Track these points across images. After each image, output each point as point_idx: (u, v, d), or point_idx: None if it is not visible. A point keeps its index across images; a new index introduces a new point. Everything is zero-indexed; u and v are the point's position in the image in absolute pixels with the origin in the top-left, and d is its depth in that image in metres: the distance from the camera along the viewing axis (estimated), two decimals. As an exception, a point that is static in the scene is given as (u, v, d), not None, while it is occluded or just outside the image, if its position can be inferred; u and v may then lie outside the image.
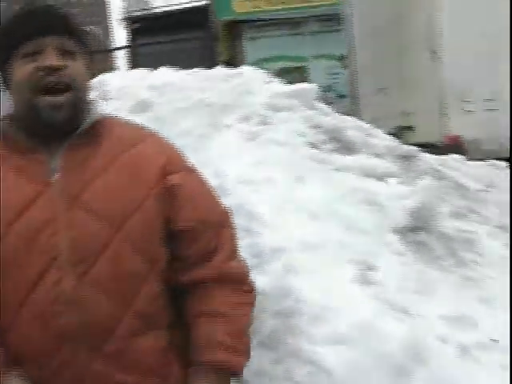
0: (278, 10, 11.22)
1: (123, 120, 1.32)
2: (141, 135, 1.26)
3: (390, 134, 5.31)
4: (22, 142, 1.17)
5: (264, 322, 1.72)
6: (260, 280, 1.71)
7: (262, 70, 3.30)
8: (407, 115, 5.15)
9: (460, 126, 4.31)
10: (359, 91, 6.78)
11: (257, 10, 11.31)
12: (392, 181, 2.43)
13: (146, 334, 1.14)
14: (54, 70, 1.12)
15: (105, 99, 3.00)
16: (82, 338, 1.10)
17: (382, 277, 1.98)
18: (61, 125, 1.15)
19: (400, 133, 5.22)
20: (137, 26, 18.50)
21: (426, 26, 4.44)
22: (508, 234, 2.77)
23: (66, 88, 1.13)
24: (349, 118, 3.16)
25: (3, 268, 1.10)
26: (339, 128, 2.66)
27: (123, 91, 2.97)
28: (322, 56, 11.42)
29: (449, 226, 2.47)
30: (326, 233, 1.97)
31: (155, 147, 1.23)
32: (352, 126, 2.81)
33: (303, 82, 10.32)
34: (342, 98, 10.38)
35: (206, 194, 1.26)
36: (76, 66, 1.16)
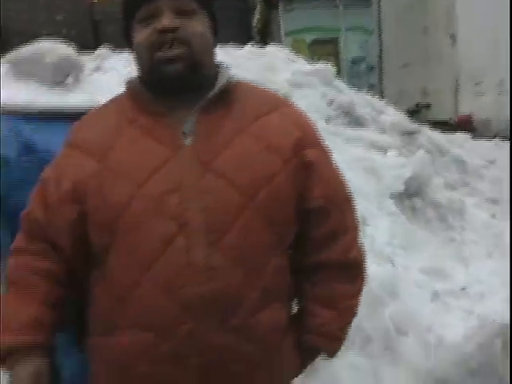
0: (313, -18, 11.39)
1: (255, 85, 1.25)
2: (275, 103, 1.20)
3: (409, 110, 5.68)
4: (151, 104, 1.14)
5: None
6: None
7: (286, 49, 3.64)
8: (426, 93, 5.44)
9: (471, 107, 4.60)
10: (385, 65, 7.04)
11: (292, -19, 11.49)
12: (392, 153, 2.81)
13: (270, 307, 1.12)
14: (169, 30, 1.11)
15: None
16: (209, 309, 1.06)
17: (374, 231, 2.37)
18: (177, 78, 1.11)
19: (419, 109, 5.54)
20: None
21: (446, 10, 4.70)
22: (497, 207, 3.13)
23: (183, 44, 1.11)
24: (362, 94, 3.51)
25: (129, 231, 1.07)
26: (351, 104, 3.02)
27: None
28: (356, 28, 11.57)
29: (441, 195, 2.84)
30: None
31: (291, 118, 1.18)
32: (363, 103, 3.17)
33: (336, 53, 10.56)
34: (372, 69, 10.59)
35: (336, 174, 1.22)
36: (192, 25, 1.13)
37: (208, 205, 1.06)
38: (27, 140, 2.31)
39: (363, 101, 3.25)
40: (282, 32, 11.86)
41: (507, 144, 4.03)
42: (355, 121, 3.02)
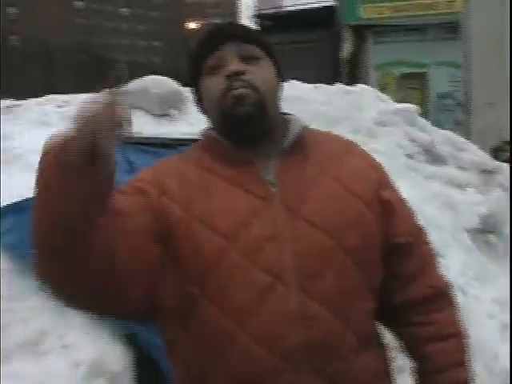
0: (403, 17, 11.58)
1: (323, 131, 1.30)
2: (347, 147, 1.24)
3: (493, 147, 5.74)
4: (233, 155, 1.15)
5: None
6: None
7: (374, 87, 3.91)
8: (507, 131, 5.51)
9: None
10: (473, 101, 7.12)
11: (383, 16, 11.75)
12: (470, 190, 2.99)
13: (366, 352, 1.12)
14: (236, 74, 1.14)
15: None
16: (306, 358, 1.07)
17: (448, 262, 2.56)
18: (247, 119, 1.13)
19: (503, 146, 5.60)
20: (267, 23, 19.42)
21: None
22: None
23: (248, 86, 1.13)
24: (445, 132, 3.71)
25: (222, 284, 1.07)
26: (432, 142, 3.24)
27: None
28: (444, 63, 11.61)
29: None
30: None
31: (365, 160, 1.22)
32: (445, 141, 3.38)
33: (423, 87, 10.60)
34: (459, 105, 10.56)
35: (410, 209, 1.25)
36: (258, 70, 1.16)
37: (301, 252, 1.07)
38: (133, 165, 2.74)
39: (445, 138, 3.45)
40: (371, 64, 12.12)
41: None
42: (436, 158, 3.23)
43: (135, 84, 3.62)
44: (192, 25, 30.42)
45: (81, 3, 64.73)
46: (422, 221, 2.76)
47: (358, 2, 11.87)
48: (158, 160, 2.84)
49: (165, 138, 3.25)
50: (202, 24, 32.84)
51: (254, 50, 1.17)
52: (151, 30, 73.06)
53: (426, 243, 1.24)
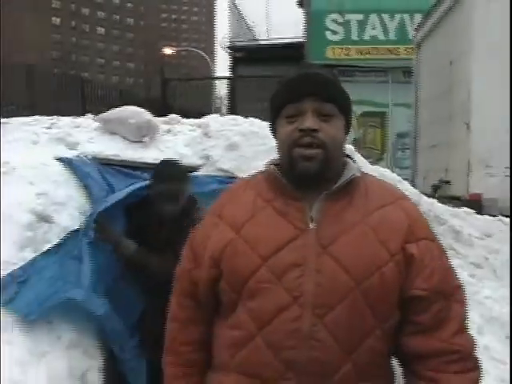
0: (366, 59, 12.43)
1: (376, 178, 1.40)
2: (394, 196, 1.33)
3: (434, 185, 6.41)
4: (286, 188, 1.29)
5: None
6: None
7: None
8: (447, 171, 6.20)
9: (482, 187, 5.34)
10: (419, 143, 7.85)
11: (347, 57, 12.58)
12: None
13: (359, 383, 1.22)
14: (309, 131, 1.24)
15: (207, 136, 4.28)
16: (306, 371, 1.21)
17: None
18: (312, 175, 1.27)
19: (441, 185, 6.29)
20: (239, 55, 20.03)
21: (464, 101, 5.53)
22: (478, 269, 3.80)
23: (319, 146, 1.25)
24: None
25: (252, 295, 1.25)
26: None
27: (220, 133, 4.19)
28: (403, 104, 12.44)
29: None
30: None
31: (402, 212, 1.29)
32: (379, 176, 3.99)
33: (383, 125, 11.41)
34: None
35: (442, 265, 1.29)
36: (329, 129, 1.26)
37: (321, 282, 1.21)
38: (109, 183, 3.21)
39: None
40: (335, 102, 12.85)
41: (507, 220, 4.70)
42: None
43: (114, 113, 4.09)
44: (167, 50, 31.01)
45: (58, 20, 64.84)
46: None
47: (325, 42, 12.67)
48: (130, 180, 3.26)
49: (138, 162, 3.72)
50: (176, 50, 33.62)
51: (330, 109, 1.28)
52: (125, 51, 73.42)
53: (458, 301, 1.28)
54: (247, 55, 18.89)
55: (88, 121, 4.27)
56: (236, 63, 19.50)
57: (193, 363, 1.40)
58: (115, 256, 2.73)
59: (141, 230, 2.85)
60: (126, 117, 3.99)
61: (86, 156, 3.49)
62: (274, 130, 1.37)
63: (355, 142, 10.94)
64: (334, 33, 12.62)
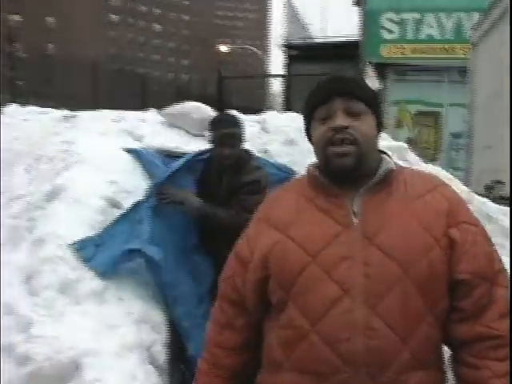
0: (421, 58, 12.33)
1: (414, 169, 1.46)
2: (431, 184, 1.36)
3: (487, 185, 6.39)
4: (327, 187, 1.34)
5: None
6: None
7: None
8: (501, 172, 6.17)
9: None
10: (474, 143, 7.80)
11: (402, 56, 12.52)
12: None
13: (418, 371, 1.23)
14: (340, 129, 1.29)
15: (265, 131, 4.48)
16: (363, 364, 1.21)
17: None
18: (347, 171, 1.31)
19: (495, 185, 6.26)
20: (294, 53, 20.15)
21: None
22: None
23: (351, 142, 1.29)
24: (433, 167, 4.39)
25: (302, 292, 1.27)
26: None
27: (278, 129, 4.42)
28: (458, 104, 12.29)
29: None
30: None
31: (442, 198, 1.32)
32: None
33: (437, 125, 11.30)
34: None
35: (485, 249, 1.31)
36: (360, 125, 1.31)
37: (370, 273, 1.24)
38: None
39: (434, 171, 4.15)
40: (388, 101, 12.85)
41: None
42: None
43: (178, 108, 4.34)
44: (223, 48, 31.46)
45: (115, 17, 66.55)
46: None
47: (380, 41, 12.64)
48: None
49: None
50: (231, 48, 34.10)
51: (359, 107, 1.33)
52: (180, 48, 74.68)
53: (501, 286, 1.29)
54: (302, 53, 18.97)
55: (152, 115, 4.55)
56: (291, 61, 19.61)
57: (222, 366, 1.47)
58: (179, 220, 3.04)
59: (204, 188, 3.11)
60: (189, 112, 4.25)
61: (151, 148, 3.73)
62: (309, 134, 1.44)
63: (409, 141, 10.88)
64: (390, 31, 12.57)
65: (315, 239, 1.29)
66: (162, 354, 2.59)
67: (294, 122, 4.45)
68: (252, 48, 24.77)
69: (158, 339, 2.61)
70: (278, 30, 24.46)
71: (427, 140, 12.93)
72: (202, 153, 3.28)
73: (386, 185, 1.33)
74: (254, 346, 1.46)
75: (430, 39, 12.37)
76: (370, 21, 12.69)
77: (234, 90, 13.81)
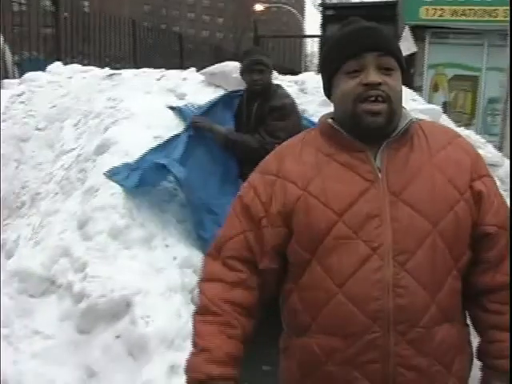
0: (461, 21, 12.03)
1: (432, 122, 1.43)
2: (449, 137, 1.33)
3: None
4: (348, 141, 1.28)
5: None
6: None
7: (410, 90, 4.68)
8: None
9: None
10: (508, 110, 7.74)
11: (441, 18, 12.23)
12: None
13: (443, 325, 1.24)
14: (373, 85, 1.24)
15: (303, 92, 4.60)
16: (393, 322, 1.20)
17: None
18: (378, 130, 1.26)
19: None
20: (331, 13, 19.85)
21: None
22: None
23: (383, 100, 1.24)
24: (463, 130, 4.46)
25: (329, 251, 1.24)
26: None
27: (316, 89, 4.52)
28: (496, 69, 12.04)
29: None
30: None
31: (464, 151, 1.31)
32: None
33: (474, 90, 11.11)
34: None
35: (503, 201, 1.32)
36: (392, 82, 1.26)
37: (398, 229, 1.21)
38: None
39: (463, 134, 4.24)
40: (426, 64, 12.65)
41: None
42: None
43: (218, 67, 4.48)
44: (258, 6, 31.19)
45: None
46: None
47: (419, 2, 12.37)
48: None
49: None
50: (267, 6, 33.79)
51: (391, 62, 1.28)
52: (215, 6, 73.87)
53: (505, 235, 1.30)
54: (338, 14, 18.66)
55: (193, 74, 4.71)
56: (327, 22, 19.31)
57: (235, 326, 1.29)
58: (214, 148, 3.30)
59: (239, 120, 3.42)
60: (230, 71, 4.38)
61: (192, 105, 3.90)
62: (329, 87, 1.35)
63: (445, 105, 10.78)
64: (429, -7, 12.29)
65: (341, 197, 1.25)
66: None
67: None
68: (288, 7, 24.37)
69: (199, 283, 2.84)
70: (314, -11, 24.03)
71: (463, 104, 12.72)
72: (237, 90, 3.56)
73: (408, 138, 1.30)
74: (261, 310, 1.36)
75: (470, 1, 12.03)
76: (409, -19, 12.39)
77: (269, 50, 13.74)
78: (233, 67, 4.49)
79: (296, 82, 4.70)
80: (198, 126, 3.29)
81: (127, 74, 4.97)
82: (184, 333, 2.47)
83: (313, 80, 4.70)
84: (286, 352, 1.37)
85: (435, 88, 12.22)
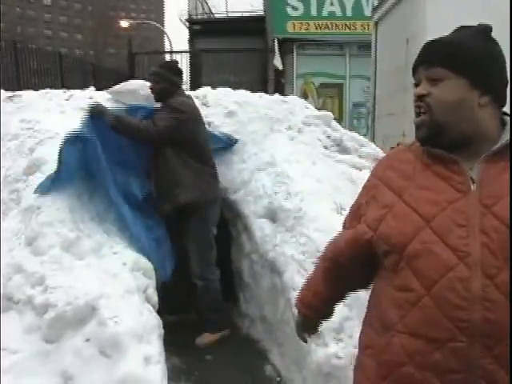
0: (325, 33, 13.14)
1: None
2: None
3: (392, 148, 7.25)
4: (443, 155, 1.30)
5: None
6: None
7: (302, 99, 5.23)
8: (405, 136, 7.06)
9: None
10: (377, 112, 8.69)
11: (307, 31, 13.26)
12: (366, 170, 4.39)
13: None
14: (418, 97, 1.29)
15: (206, 106, 4.95)
16: (480, 334, 1.18)
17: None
18: (423, 143, 1.31)
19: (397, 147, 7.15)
20: (198, 27, 20.29)
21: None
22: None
23: (425, 111, 1.28)
24: (351, 133, 5.10)
25: (416, 256, 1.26)
26: (341, 139, 4.63)
27: (217, 102, 4.90)
28: (358, 76, 13.31)
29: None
30: (320, 188, 3.94)
31: None
32: (349, 138, 4.78)
33: (340, 96, 12.23)
34: (369, 114, 12.24)
35: None
36: (438, 92, 1.27)
37: (487, 242, 1.20)
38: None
39: (350, 137, 4.85)
40: (294, 73, 13.61)
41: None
42: (343, 149, 4.62)
43: (124, 86, 4.69)
44: (124, 23, 31.17)
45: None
46: (331, 185, 4.09)
47: (285, 18, 13.29)
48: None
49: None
50: (132, 23, 33.82)
51: (438, 73, 1.29)
52: (72, 23, 71.55)
53: None
54: (206, 28, 19.14)
55: (99, 93, 4.86)
56: (195, 36, 19.72)
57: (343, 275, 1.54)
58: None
59: None
60: (136, 89, 4.61)
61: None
62: None
63: (315, 112, 11.67)
64: (295, 8, 13.24)
65: (430, 204, 1.28)
66: (154, 295, 3.08)
67: (229, 95, 4.97)
68: (154, 23, 24.56)
69: (150, 283, 3.09)
70: (180, 4, 24.37)
71: (331, 109, 13.83)
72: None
73: (505, 154, 1.28)
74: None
75: (332, 16, 13.19)
76: (275, -2, 13.26)
77: (145, 66, 13.90)
78: (139, 85, 4.73)
79: (197, 97, 5.05)
80: (95, 112, 3.60)
81: (28, 95, 4.99)
82: (148, 327, 2.73)
83: (212, 94, 5.06)
84: (367, 351, 1.42)
85: (305, 95, 13.19)
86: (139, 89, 4.65)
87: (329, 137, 4.61)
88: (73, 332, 2.65)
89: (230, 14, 20.17)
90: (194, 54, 15.00)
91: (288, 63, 13.50)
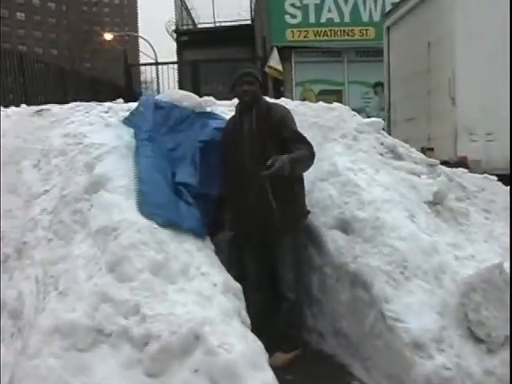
0: (323, 41, 13.13)
1: None
2: None
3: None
4: None
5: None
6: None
7: (347, 107, 5.11)
8: (430, 140, 7.01)
9: (467, 150, 6.18)
10: (392, 117, 8.64)
11: (306, 39, 13.23)
12: (423, 176, 4.28)
13: None
14: None
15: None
16: None
17: (417, 220, 3.76)
18: None
19: (423, 152, 7.09)
20: (185, 38, 20.18)
21: (448, 78, 6.31)
22: (488, 214, 4.56)
23: None
24: (397, 140, 5.00)
25: None
26: (394, 145, 4.52)
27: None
28: (357, 82, 13.34)
29: (453, 204, 4.28)
30: (390, 196, 3.82)
31: None
32: (400, 145, 4.67)
33: (339, 102, 12.11)
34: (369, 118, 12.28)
35: None
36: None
37: None
38: None
39: (399, 143, 4.74)
40: (293, 81, 13.55)
41: (493, 178, 5.52)
42: (396, 156, 4.50)
43: (168, 95, 4.50)
44: (108, 36, 31.01)
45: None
46: (395, 193, 3.94)
47: (284, 26, 13.24)
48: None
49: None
50: (115, 35, 33.63)
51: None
52: (47, 37, 70.74)
53: None
54: (193, 39, 19.04)
55: (134, 104, 4.66)
56: (182, 47, 19.60)
57: None
58: None
59: (229, 139, 3.72)
60: (181, 99, 4.44)
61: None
62: None
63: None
64: (293, 16, 13.20)
65: None
66: (247, 317, 2.89)
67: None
68: (139, 35, 24.35)
69: (241, 305, 2.91)
70: (166, 15, 24.25)
71: (330, 117, 13.86)
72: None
73: None
74: None
75: (330, 23, 13.18)
76: (274, 6, 13.19)
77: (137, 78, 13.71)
78: (182, 96, 4.56)
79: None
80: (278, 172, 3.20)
81: (58, 109, 4.77)
82: (257, 352, 2.55)
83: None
84: None
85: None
86: (184, 100, 4.46)
87: (382, 143, 4.50)
88: (179, 363, 2.46)
89: (218, 24, 20.09)
90: (192, 64, 14.86)
91: (287, 71, 13.43)
